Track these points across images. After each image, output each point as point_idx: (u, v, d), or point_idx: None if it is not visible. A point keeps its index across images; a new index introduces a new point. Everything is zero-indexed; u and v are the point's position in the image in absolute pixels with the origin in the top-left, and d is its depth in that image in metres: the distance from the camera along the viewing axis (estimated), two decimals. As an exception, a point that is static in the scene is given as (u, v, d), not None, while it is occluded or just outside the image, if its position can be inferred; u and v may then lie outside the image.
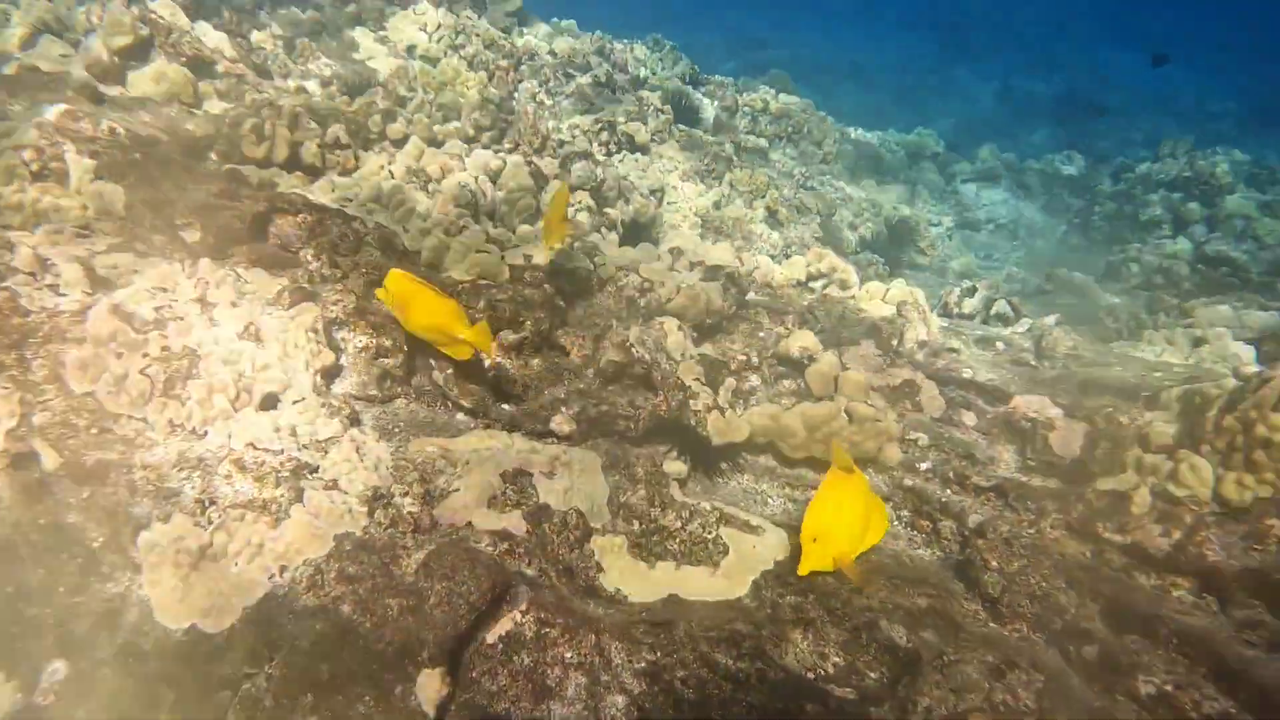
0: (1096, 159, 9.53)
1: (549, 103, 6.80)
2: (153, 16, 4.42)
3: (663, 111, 6.46)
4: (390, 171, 3.95)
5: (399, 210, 3.58)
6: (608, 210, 4.52)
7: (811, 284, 4.53)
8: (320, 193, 3.60)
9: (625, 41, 8.88)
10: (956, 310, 5.82)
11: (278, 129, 3.75)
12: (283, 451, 2.48)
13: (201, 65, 4.54)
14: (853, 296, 4.45)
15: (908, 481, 3.26)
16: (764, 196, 5.98)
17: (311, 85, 5.50)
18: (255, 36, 5.57)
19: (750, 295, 3.99)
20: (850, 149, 9.32)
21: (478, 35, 6.54)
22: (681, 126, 6.92)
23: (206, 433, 2.52)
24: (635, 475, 3.00)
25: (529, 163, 4.62)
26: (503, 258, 3.52)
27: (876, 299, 4.52)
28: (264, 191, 3.44)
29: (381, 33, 6.34)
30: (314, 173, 3.87)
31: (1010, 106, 16.86)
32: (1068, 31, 22.40)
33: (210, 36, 4.84)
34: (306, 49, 5.56)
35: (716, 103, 8.10)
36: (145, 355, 2.55)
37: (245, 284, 2.98)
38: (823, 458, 3.30)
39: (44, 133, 3.39)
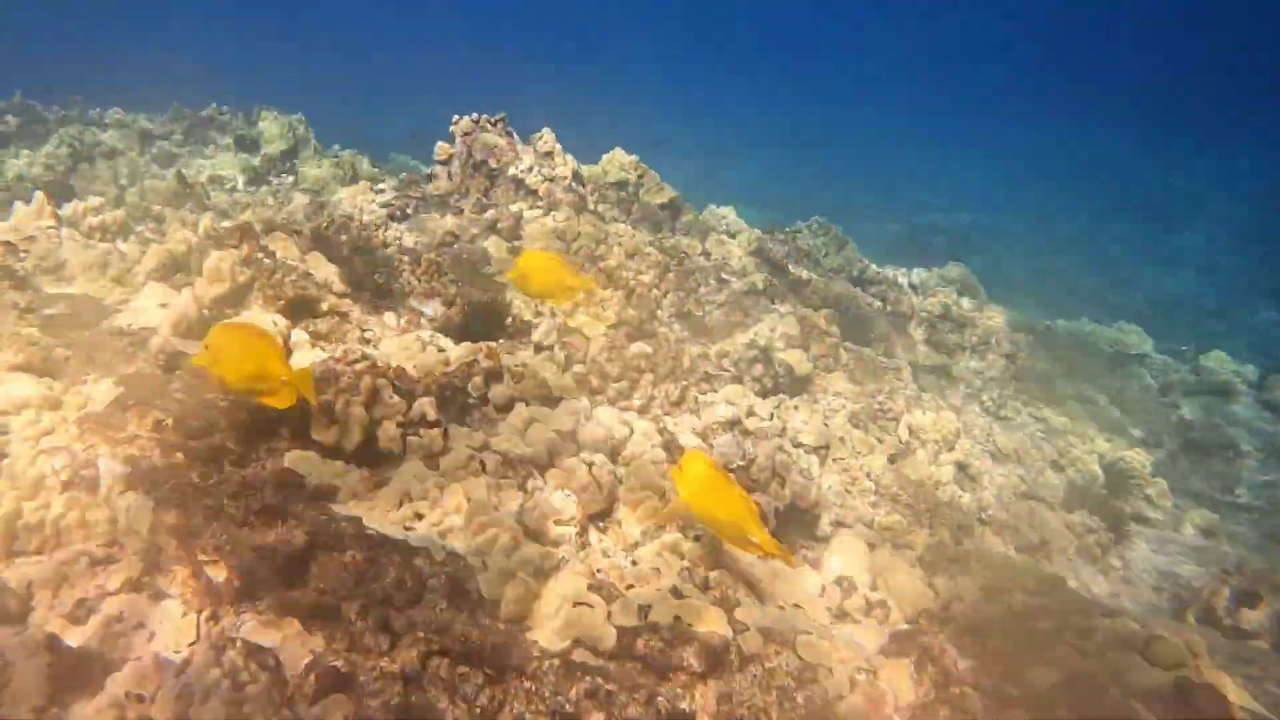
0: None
1: (698, 313, 6.04)
2: (258, 256, 3.99)
3: (828, 334, 5.50)
4: (482, 462, 3.15)
5: (481, 536, 2.73)
6: (757, 498, 3.53)
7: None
8: (380, 509, 2.82)
9: (788, 229, 8.15)
10: (1229, 621, 4.32)
11: (352, 408, 3.06)
12: None
13: (304, 305, 4.04)
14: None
15: None
16: (953, 448, 4.82)
17: (432, 307, 4.97)
18: (381, 253, 5.16)
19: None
20: (1040, 352, 8.01)
21: (620, 244, 5.92)
22: (849, 345, 5.94)
23: None
24: None
25: (662, 431, 3.73)
26: (610, 614, 2.57)
27: (1134, 651, 3.21)
28: (313, 509, 2.69)
29: (516, 243, 5.85)
30: (391, 462, 3.13)
31: (1218, 285, 14.86)
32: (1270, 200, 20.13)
33: (322, 270, 4.39)
34: (430, 267, 5.07)
35: (889, 307, 7.10)
36: None
37: (247, 670, 2.16)
38: None
39: (80, 432, 2.84)
